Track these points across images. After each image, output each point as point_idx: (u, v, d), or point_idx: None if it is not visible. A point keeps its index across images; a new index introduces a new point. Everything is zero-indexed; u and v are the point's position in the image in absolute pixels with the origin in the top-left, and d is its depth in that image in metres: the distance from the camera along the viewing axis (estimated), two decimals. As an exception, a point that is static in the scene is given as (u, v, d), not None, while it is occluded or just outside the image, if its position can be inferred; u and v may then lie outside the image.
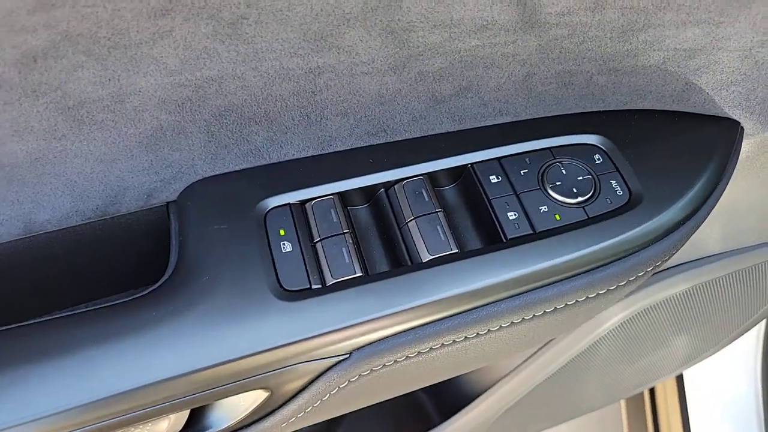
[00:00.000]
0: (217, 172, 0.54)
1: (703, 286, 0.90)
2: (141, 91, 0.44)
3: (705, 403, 1.62)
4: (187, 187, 0.53)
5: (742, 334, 1.19)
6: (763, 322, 1.47)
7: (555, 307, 0.53)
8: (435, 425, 1.22)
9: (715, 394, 1.60)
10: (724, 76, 0.56)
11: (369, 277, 0.50)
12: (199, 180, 0.54)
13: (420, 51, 0.48)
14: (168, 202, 0.54)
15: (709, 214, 0.58)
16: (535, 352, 0.98)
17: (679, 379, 1.65)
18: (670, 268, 0.89)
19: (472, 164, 0.56)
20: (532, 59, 0.52)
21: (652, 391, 1.76)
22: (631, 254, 0.53)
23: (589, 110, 0.60)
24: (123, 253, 0.58)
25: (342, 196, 0.54)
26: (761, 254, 0.88)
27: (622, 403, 1.84)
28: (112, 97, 0.44)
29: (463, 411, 1.12)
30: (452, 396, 1.18)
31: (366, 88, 0.51)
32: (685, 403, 1.64)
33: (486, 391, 1.05)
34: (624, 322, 0.91)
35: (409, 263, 0.52)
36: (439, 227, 0.53)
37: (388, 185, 0.55)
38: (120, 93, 0.44)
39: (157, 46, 0.41)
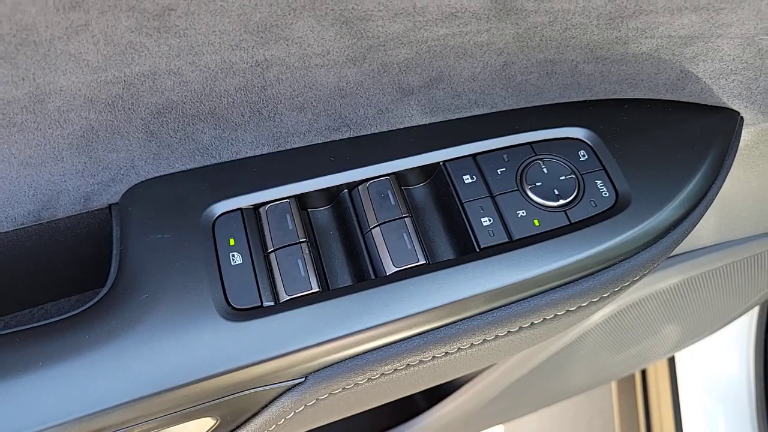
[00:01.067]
0: (162, 173, 0.49)
1: (696, 277, 0.85)
2: (62, 90, 0.40)
3: (696, 382, 1.60)
4: (130, 188, 0.49)
5: (736, 319, 1.15)
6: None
7: (532, 323, 0.49)
8: (421, 411, 1.19)
9: (707, 373, 1.58)
10: (723, 64, 0.51)
11: (327, 293, 0.45)
12: (142, 181, 0.49)
13: (381, 41, 0.43)
14: (110, 205, 0.50)
15: (704, 214, 0.53)
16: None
17: (671, 359, 1.63)
18: (662, 258, 0.85)
19: (444, 162, 0.51)
20: (510, 48, 0.47)
21: (643, 371, 1.74)
22: (616, 264, 0.49)
23: (575, 100, 0.55)
24: (66, 257, 0.54)
25: (299, 198, 0.49)
26: (758, 245, 0.83)
27: (613, 382, 1.83)
28: (30, 98, 0.39)
29: (448, 399, 1.09)
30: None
31: (323, 81, 0.46)
32: (676, 381, 1.62)
33: (471, 380, 1.02)
34: (613, 314, 0.87)
35: (373, 276, 0.47)
36: (405, 235, 0.48)
37: (352, 186, 0.50)
38: (38, 93, 0.39)
39: (72, 41, 0.36)
